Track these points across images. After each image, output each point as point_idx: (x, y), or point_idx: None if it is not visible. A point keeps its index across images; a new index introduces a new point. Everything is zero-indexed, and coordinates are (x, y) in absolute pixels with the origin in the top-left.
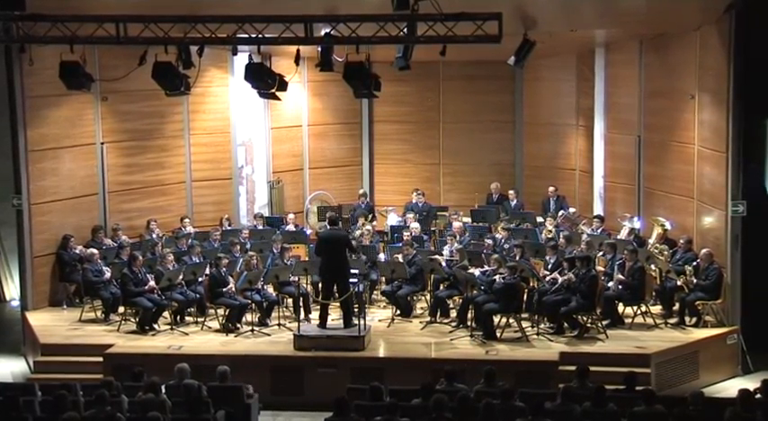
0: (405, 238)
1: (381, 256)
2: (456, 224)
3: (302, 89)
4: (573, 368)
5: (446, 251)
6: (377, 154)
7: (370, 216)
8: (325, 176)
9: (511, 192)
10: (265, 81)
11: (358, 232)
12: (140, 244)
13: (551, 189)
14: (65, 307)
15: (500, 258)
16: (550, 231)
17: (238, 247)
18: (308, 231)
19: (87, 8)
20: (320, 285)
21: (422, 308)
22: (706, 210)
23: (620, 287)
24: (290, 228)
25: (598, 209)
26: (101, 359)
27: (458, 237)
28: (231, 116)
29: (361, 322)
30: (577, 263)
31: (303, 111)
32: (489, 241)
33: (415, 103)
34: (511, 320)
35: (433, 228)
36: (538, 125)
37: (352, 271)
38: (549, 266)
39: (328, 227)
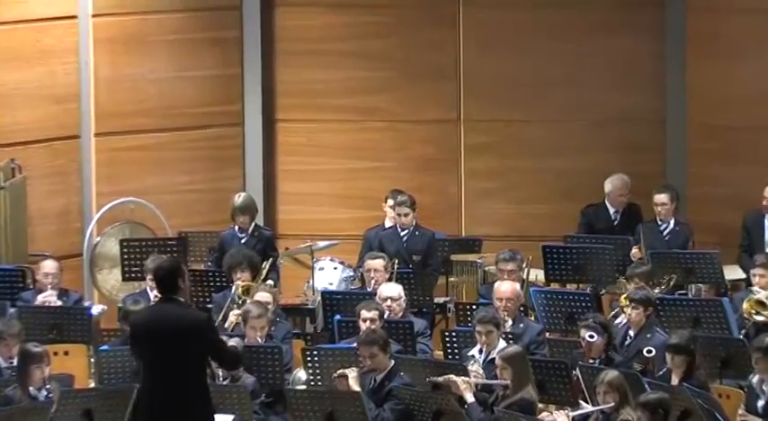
0: (364, 325)
1: (299, 376)
2: (505, 287)
3: None
4: None
5: (474, 363)
6: (283, 95)
7: (266, 265)
8: (143, 157)
9: (660, 197)
10: None
11: (232, 315)
12: None
13: None
14: None
15: (621, 381)
16: (763, 305)
17: None
18: (96, 309)
19: None
20: None
21: None
22: None
23: None
24: (48, 297)
25: None
26: None
27: (509, 321)
28: None
29: None
30: None
31: None
32: (592, 335)
33: None
34: None
35: (443, 300)
36: (728, 11)
37: (220, 418)
38: (762, 402)
39: (153, 295)
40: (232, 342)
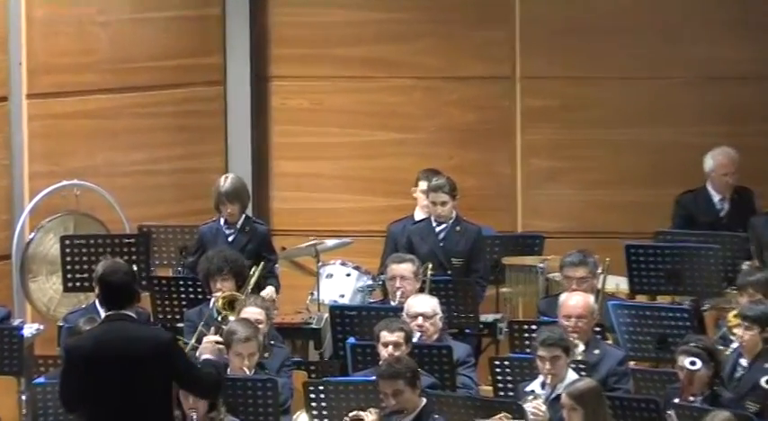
0: (385, 351)
1: (301, 419)
2: (574, 300)
3: None
4: None
5: (535, 400)
6: (278, 43)
7: (255, 271)
8: (92, 126)
9: None
10: None
11: (206, 340)
12: None
13: None
14: None
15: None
16: None
17: None
18: (29, 329)
19: None
20: None
21: None
22: None
23: None
24: None
25: None
26: None
27: (580, 346)
28: None
29: None
30: None
31: None
32: (693, 362)
33: None
34: None
35: (493, 318)
36: None
37: None
38: None
39: (102, 311)
40: (205, 356)
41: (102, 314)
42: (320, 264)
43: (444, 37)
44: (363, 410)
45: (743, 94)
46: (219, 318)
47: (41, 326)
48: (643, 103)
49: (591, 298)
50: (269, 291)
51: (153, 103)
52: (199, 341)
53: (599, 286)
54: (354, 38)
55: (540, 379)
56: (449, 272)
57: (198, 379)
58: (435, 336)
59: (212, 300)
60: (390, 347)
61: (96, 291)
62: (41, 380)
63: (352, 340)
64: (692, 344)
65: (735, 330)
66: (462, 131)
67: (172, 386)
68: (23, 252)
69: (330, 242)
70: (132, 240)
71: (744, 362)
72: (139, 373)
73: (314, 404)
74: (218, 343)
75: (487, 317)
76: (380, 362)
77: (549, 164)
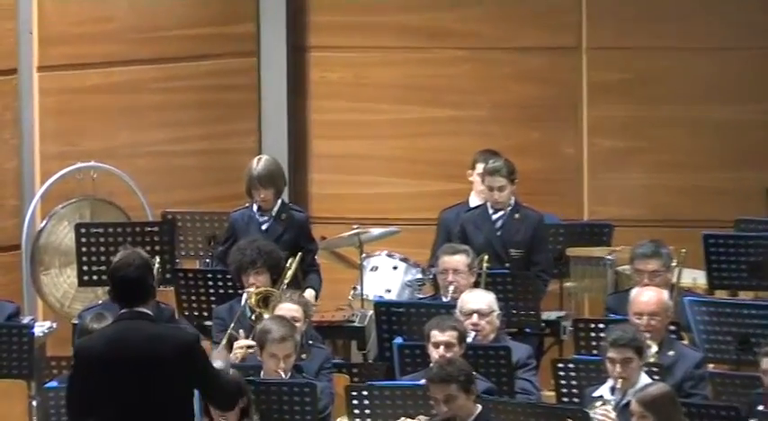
0: (436, 353)
1: None
2: (647, 296)
3: None
4: None
5: (603, 406)
6: (317, 10)
7: (292, 263)
8: (110, 102)
9: None
10: None
11: (237, 347)
12: None
13: None
14: None
15: None
16: None
17: None
18: (40, 327)
19: None
20: None
21: None
22: None
23: None
24: None
25: None
26: None
27: (653, 347)
28: None
29: None
30: None
31: None
32: None
33: None
34: None
35: (556, 316)
36: None
37: None
38: None
39: (118, 309)
40: (217, 364)
41: (116, 310)
42: (364, 255)
43: (501, 3)
44: (412, 418)
45: None
46: (252, 317)
47: (54, 324)
48: (724, 77)
49: (665, 293)
50: (309, 295)
51: (178, 76)
52: (231, 339)
53: (674, 280)
54: (402, 4)
55: (610, 383)
56: (507, 264)
57: (219, 387)
58: (492, 336)
59: (244, 295)
60: (442, 348)
61: (110, 287)
62: (54, 383)
63: (399, 340)
64: None
65: None
66: (522, 108)
67: (193, 390)
68: (34, 242)
69: (375, 231)
70: (155, 229)
71: None
72: (159, 376)
73: (357, 411)
74: (249, 347)
75: (550, 315)
76: (431, 365)
77: (619, 144)
